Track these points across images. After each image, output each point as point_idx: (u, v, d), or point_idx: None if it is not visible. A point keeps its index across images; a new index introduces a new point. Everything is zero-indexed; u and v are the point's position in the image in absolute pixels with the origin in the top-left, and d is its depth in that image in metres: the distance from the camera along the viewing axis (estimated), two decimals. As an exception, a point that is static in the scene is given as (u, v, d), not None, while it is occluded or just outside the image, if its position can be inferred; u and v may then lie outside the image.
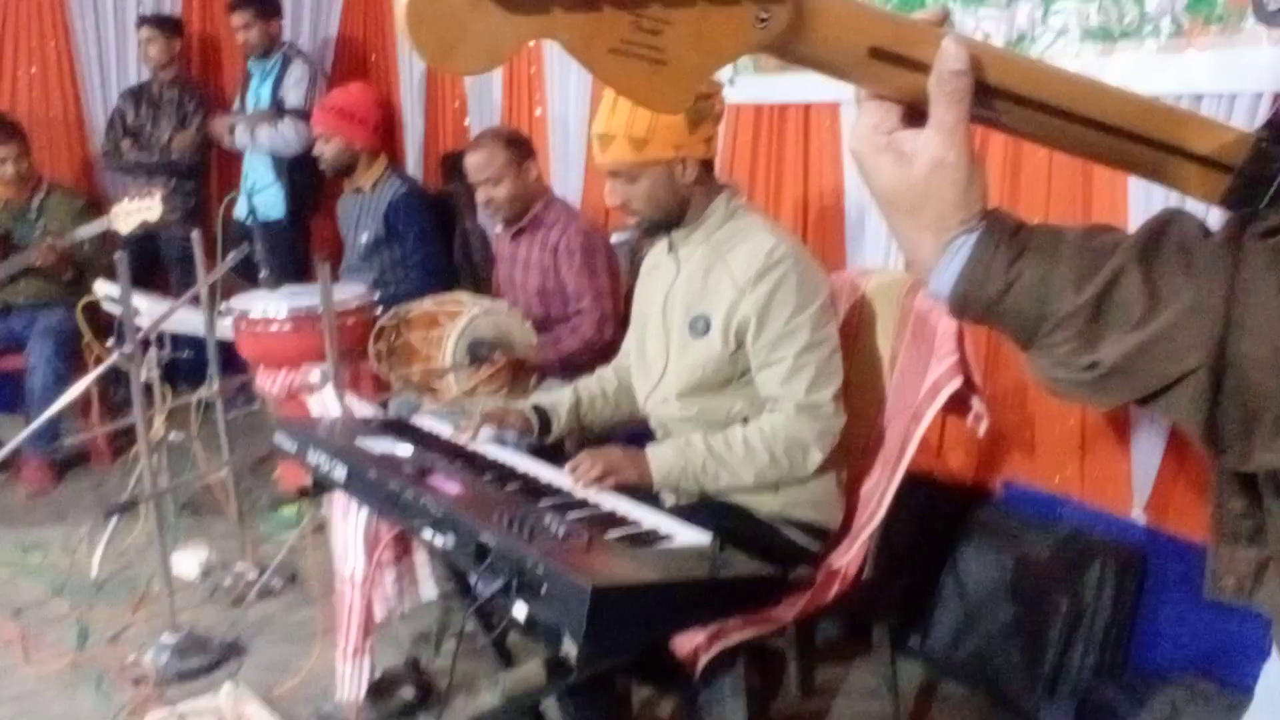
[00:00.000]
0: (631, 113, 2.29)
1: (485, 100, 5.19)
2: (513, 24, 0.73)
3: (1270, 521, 0.92)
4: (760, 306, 2.28)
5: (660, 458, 2.30)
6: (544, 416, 2.62)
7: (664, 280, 2.52)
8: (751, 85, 3.48)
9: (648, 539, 1.93)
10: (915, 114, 0.84)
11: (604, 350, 3.27)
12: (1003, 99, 0.83)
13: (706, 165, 2.42)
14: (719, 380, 2.38)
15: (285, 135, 5.15)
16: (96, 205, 5.10)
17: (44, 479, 4.63)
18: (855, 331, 2.65)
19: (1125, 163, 0.88)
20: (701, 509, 2.23)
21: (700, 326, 2.37)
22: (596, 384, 2.74)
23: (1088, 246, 0.80)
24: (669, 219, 2.42)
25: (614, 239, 3.72)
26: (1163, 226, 0.79)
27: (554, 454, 2.60)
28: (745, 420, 2.37)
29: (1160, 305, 0.76)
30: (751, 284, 2.29)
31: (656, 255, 2.62)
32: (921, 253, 0.85)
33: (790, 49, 0.80)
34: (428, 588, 2.80)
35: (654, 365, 2.52)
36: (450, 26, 0.72)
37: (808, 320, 2.28)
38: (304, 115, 5.09)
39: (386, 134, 4.93)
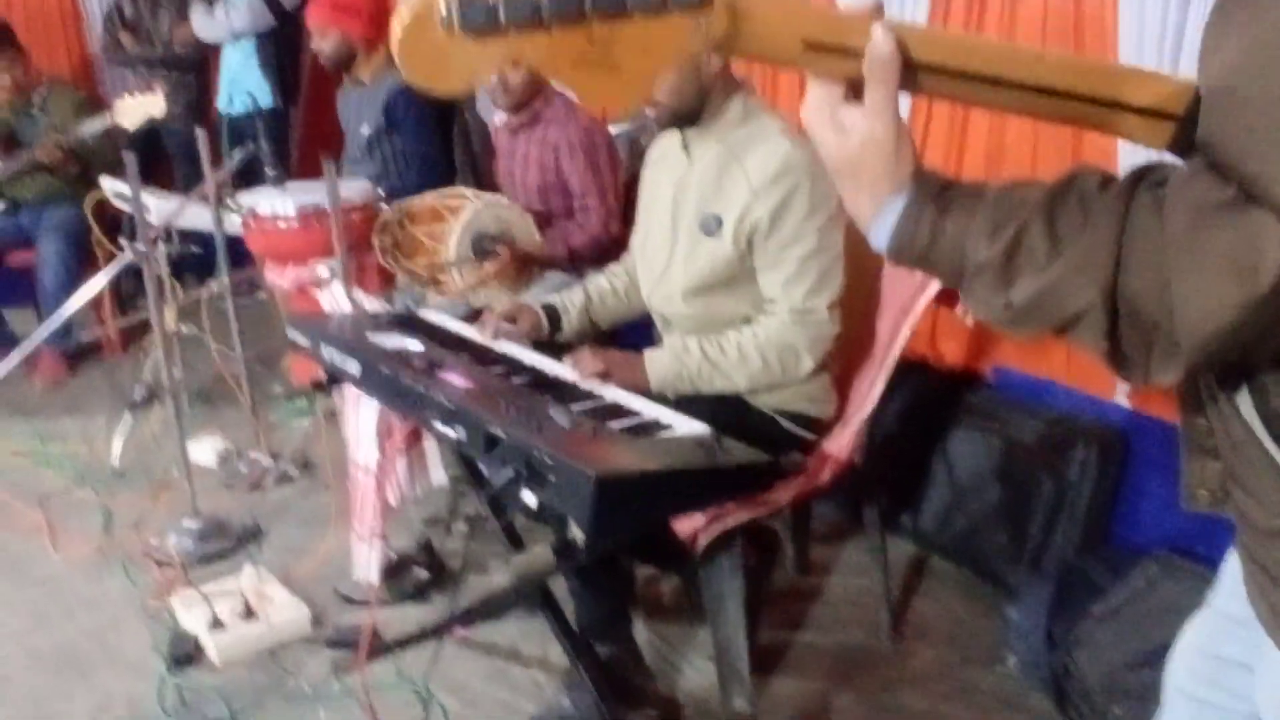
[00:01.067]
0: None
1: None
2: (484, 51, 0.86)
3: (1218, 434, 1.01)
4: (773, 210, 2.30)
5: (656, 362, 2.37)
6: (554, 315, 2.68)
7: (674, 174, 2.52)
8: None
9: (649, 429, 2.02)
10: (856, 90, 0.94)
11: (610, 245, 3.32)
12: (933, 74, 0.93)
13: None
14: (725, 279, 2.41)
15: (236, 13, 5.13)
16: (97, 100, 5.12)
17: (59, 371, 4.74)
18: (853, 229, 2.69)
19: (1070, 119, 0.96)
20: (700, 400, 2.31)
21: (712, 225, 2.39)
22: (607, 281, 2.78)
23: (1004, 201, 0.91)
24: (689, 111, 2.40)
25: (613, 130, 3.76)
26: (1068, 181, 0.89)
27: (563, 351, 2.69)
28: (746, 322, 2.42)
29: (1060, 251, 0.86)
30: (766, 187, 2.30)
31: (664, 147, 2.62)
32: (860, 212, 0.98)
33: (732, 47, 0.90)
34: (438, 474, 2.90)
35: (657, 258, 2.55)
36: (434, 58, 0.87)
37: (815, 227, 2.31)
38: None
39: (384, 24, 4.90)
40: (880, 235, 0.97)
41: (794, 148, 2.32)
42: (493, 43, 0.86)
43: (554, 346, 2.68)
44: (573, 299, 2.73)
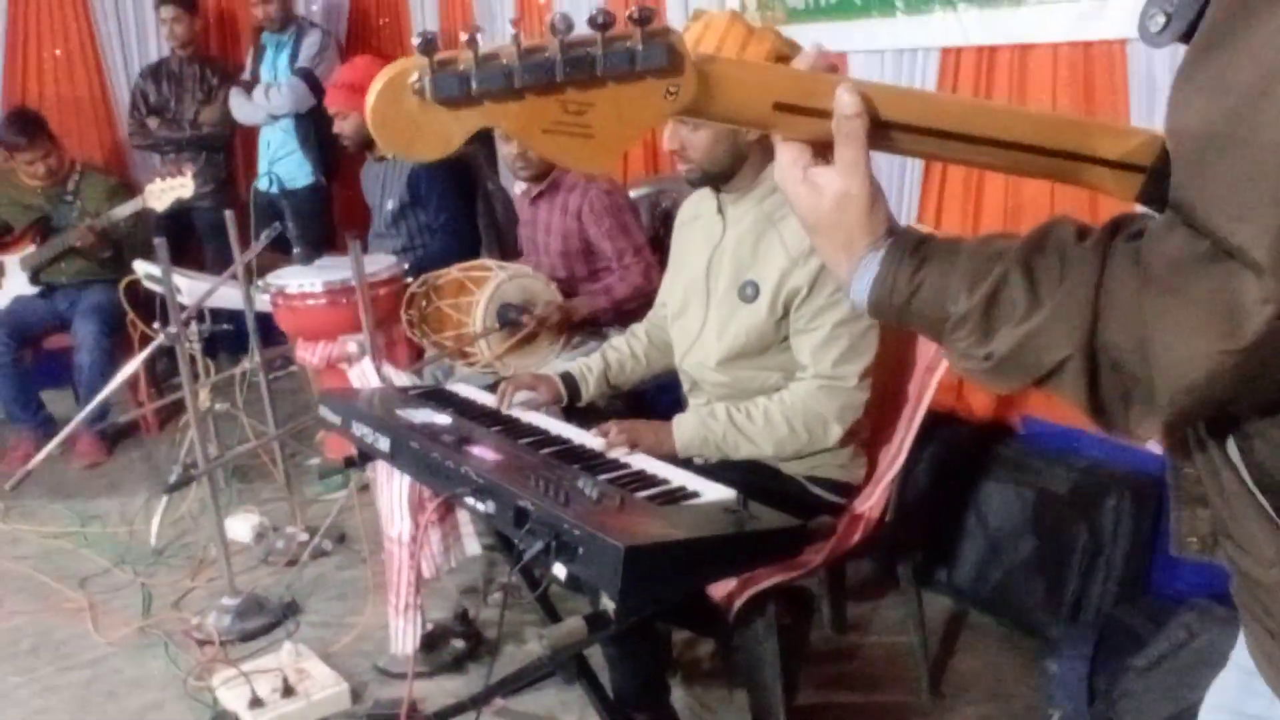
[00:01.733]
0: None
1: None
2: (458, 119, 0.87)
3: (1206, 482, 1.01)
4: (811, 278, 2.29)
5: (683, 427, 2.37)
6: (572, 384, 2.69)
7: (708, 238, 2.51)
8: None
9: (676, 497, 2.03)
10: (826, 149, 0.96)
11: (653, 296, 3.36)
12: (900, 131, 0.95)
13: None
14: (760, 348, 2.40)
15: (278, 96, 5.24)
16: (128, 184, 5.23)
17: (97, 452, 4.79)
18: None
19: (1043, 173, 0.97)
20: (729, 466, 2.31)
21: (749, 292, 2.38)
22: (626, 345, 2.78)
23: (982, 253, 0.91)
24: (721, 174, 2.40)
25: (632, 194, 3.80)
26: (1045, 231, 0.90)
27: (589, 415, 2.71)
28: (778, 390, 2.41)
29: (1039, 302, 0.86)
30: (805, 255, 2.29)
31: (696, 209, 2.61)
32: (839, 268, 0.99)
33: (703, 111, 0.92)
34: (472, 544, 2.92)
35: (692, 323, 2.54)
36: (407, 127, 0.88)
37: None
38: (306, 77, 5.19)
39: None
40: (859, 290, 0.97)
41: None
42: (465, 111, 0.86)
43: (582, 412, 2.69)
44: (590, 365, 2.74)
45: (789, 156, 0.98)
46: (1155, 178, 0.91)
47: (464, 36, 0.86)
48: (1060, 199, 2.86)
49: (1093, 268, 0.85)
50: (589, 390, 2.71)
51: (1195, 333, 0.79)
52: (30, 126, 4.81)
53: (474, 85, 0.85)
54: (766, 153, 2.40)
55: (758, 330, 2.38)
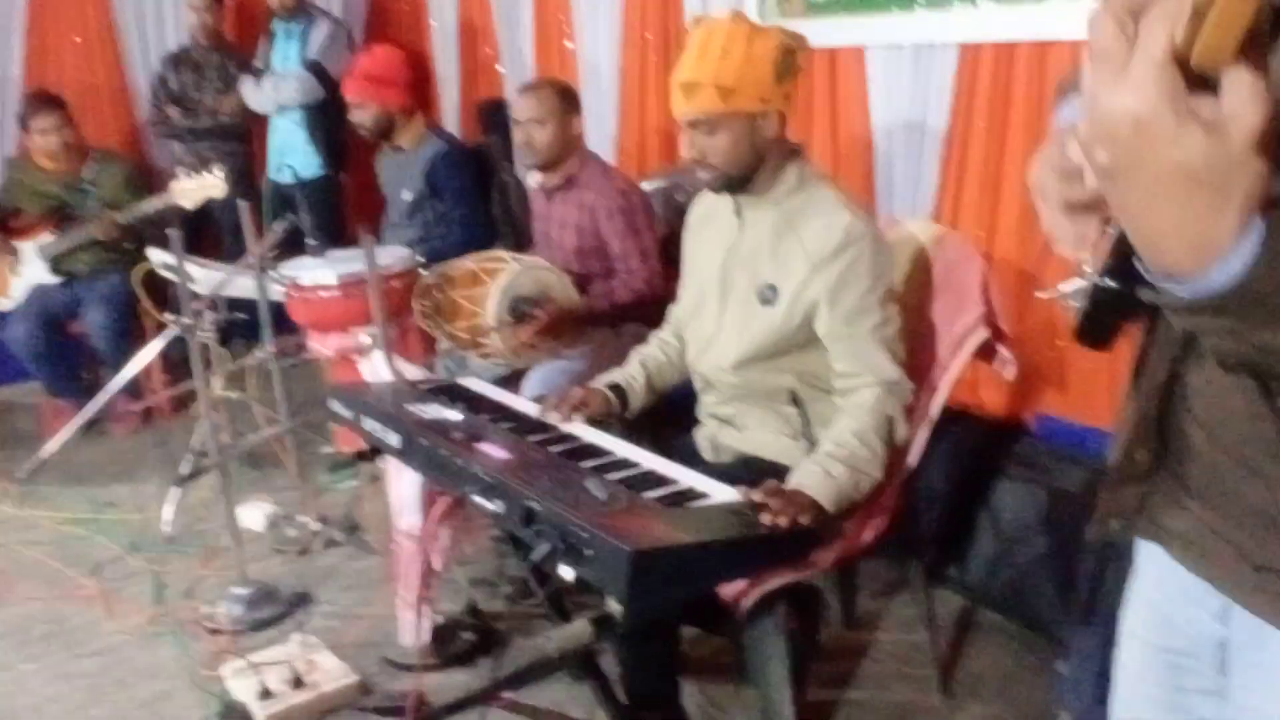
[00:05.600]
0: (720, 61, 2.24)
1: (516, 48, 5.24)
2: None
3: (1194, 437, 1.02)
4: (834, 282, 2.28)
5: (819, 489, 2.15)
6: (622, 395, 2.63)
7: (724, 239, 2.50)
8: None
9: (685, 498, 2.03)
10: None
11: (653, 302, 3.35)
12: None
13: (784, 121, 2.38)
14: (777, 350, 2.38)
15: (285, 87, 5.24)
16: (144, 171, 5.24)
17: (133, 421, 4.94)
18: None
19: None
20: (740, 466, 2.30)
21: (769, 295, 2.37)
22: (660, 351, 2.73)
23: None
24: (744, 175, 2.38)
25: (647, 186, 3.79)
26: None
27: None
28: (793, 396, 2.41)
29: None
30: (827, 260, 2.28)
31: (709, 209, 2.59)
32: (1219, 235, 0.71)
33: None
34: (482, 537, 2.93)
35: (707, 324, 2.53)
36: None
37: (877, 299, 2.29)
38: (314, 68, 5.19)
39: (419, 90, 4.99)
40: (1231, 269, 0.71)
41: (854, 219, 2.30)
42: None
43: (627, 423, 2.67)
44: (634, 375, 2.68)
45: (1172, 86, 0.67)
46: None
47: None
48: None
49: None
50: (638, 399, 2.66)
51: None
52: (47, 100, 4.86)
53: None
54: (785, 153, 2.40)
55: (776, 333, 2.37)
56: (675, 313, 2.78)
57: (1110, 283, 0.89)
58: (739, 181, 2.40)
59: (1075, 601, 2.80)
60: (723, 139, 2.32)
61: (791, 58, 2.30)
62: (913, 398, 2.35)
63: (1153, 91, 0.67)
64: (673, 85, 2.33)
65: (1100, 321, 0.95)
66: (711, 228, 2.57)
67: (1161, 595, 1.18)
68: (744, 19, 2.30)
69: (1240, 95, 0.67)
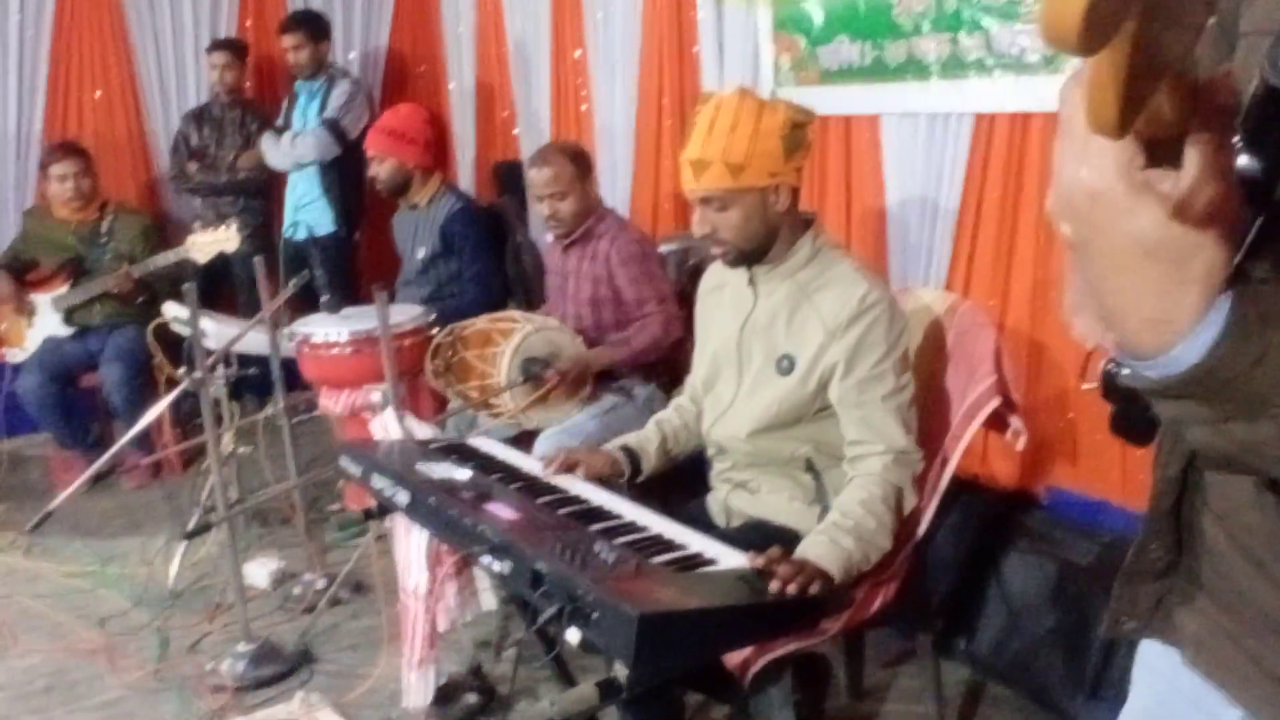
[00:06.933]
0: (729, 138, 2.25)
1: (532, 110, 5.30)
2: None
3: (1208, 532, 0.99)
4: (850, 351, 2.28)
5: (828, 559, 2.11)
6: (634, 457, 2.62)
7: (738, 309, 2.49)
8: (792, 99, 3.53)
9: (693, 564, 2.02)
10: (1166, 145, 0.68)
11: (672, 348, 3.35)
12: None
13: (796, 194, 2.38)
14: (792, 419, 2.38)
15: (302, 144, 5.30)
16: (162, 225, 5.29)
17: (143, 475, 4.94)
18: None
19: None
20: (749, 531, 2.29)
21: (785, 365, 2.37)
22: (677, 416, 2.72)
23: None
24: (757, 249, 2.38)
25: (662, 249, 3.81)
26: None
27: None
28: (809, 464, 2.40)
29: None
30: (843, 329, 2.28)
31: (721, 279, 2.59)
32: (1180, 312, 0.68)
33: None
34: (488, 598, 2.92)
35: (724, 393, 2.52)
36: None
37: (891, 366, 2.29)
38: (332, 127, 5.24)
39: (438, 149, 5.04)
40: (1195, 347, 0.68)
41: (870, 287, 2.31)
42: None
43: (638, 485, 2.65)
44: (648, 437, 2.66)
45: (1124, 157, 0.66)
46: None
47: None
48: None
49: None
50: (651, 463, 2.63)
51: None
52: (68, 146, 4.96)
53: None
54: (798, 224, 2.41)
55: (792, 402, 2.37)
56: (690, 381, 2.77)
57: (1116, 367, 0.84)
58: (753, 255, 2.40)
59: (1084, 676, 2.78)
60: (734, 215, 2.32)
61: (800, 132, 2.32)
62: (922, 467, 2.34)
63: (1108, 163, 0.66)
64: (682, 162, 2.34)
65: (1129, 413, 0.92)
66: (725, 298, 2.57)
67: (1165, 712, 1.11)
68: (751, 94, 2.33)
69: (1197, 168, 0.66)
